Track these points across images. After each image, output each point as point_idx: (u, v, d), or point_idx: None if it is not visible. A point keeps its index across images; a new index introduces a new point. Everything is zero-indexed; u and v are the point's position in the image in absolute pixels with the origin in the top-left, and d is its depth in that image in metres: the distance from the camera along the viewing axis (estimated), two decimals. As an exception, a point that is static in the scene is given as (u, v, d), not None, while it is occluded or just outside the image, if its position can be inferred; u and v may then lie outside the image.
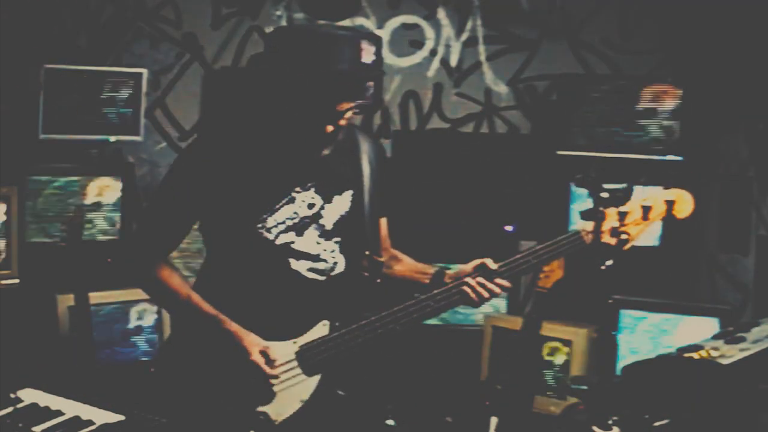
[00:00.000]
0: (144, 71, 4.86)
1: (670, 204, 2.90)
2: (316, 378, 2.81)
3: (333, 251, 2.86)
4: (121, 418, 2.31)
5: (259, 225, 2.78)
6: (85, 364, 4.25)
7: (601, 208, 2.97)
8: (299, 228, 2.82)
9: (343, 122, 2.74)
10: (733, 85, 4.93)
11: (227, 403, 2.76)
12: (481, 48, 5.46)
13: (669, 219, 2.95)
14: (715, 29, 5.03)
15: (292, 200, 2.81)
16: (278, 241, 2.79)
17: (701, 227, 5.14)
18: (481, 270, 2.88)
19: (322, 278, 2.84)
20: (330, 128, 2.72)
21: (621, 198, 3.33)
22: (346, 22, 5.36)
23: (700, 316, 4.29)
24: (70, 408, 2.36)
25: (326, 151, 2.78)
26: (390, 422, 4.58)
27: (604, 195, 3.13)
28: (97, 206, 4.73)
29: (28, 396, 2.41)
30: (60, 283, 4.43)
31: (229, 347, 2.75)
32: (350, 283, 2.88)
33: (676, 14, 5.26)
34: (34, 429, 2.26)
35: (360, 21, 5.39)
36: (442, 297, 2.84)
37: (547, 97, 5.41)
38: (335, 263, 2.86)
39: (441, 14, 5.44)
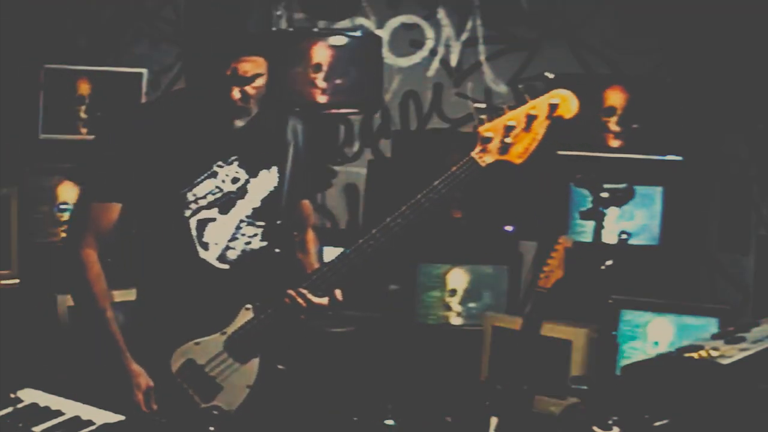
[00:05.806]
0: (144, 71, 4.86)
1: (553, 107, 2.78)
2: (256, 361, 2.85)
3: (255, 234, 2.88)
4: (121, 418, 2.32)
5: (179, 200, 2.79)
6: (85, 364, 4.24)
7: (600, 208, 2.98)
8: (224, 205, 2.84)
9: (250, 90, 2.75)
10: (733, 85, 4.92)
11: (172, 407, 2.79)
12: (481, 48, 5.45)
13: (558, 123, 2.83)
14: (715, 29, 5.02)
15: (214, 174, 2.82)
16: (198, 217, 2.80)
17: (701, 227, 5.14)
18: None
19: (229, 267, 2.85)
20: (236, 94, 2.73)
21: (621, 198, 3.34)
22: (346, 22, 5.36)
23: (700, 316, 4.29)
24: (70, 408, 2.36)
25: (239, 123, 2.80)
26: (390, 422, 4.58)
27: (604, 195, 3.14)
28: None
29: (28, 396, 2.41)
30: (60, 283, 4.42)
31: (119, 376, 2.81)
32: (266, 261, 2.90)
33: (676, 14, 5.25)
34: (34, 429, 2.26)
35: (360, 21, 5.39)
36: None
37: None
38: (247, 245, 2.87)
39: (441, 14, 5.44)
